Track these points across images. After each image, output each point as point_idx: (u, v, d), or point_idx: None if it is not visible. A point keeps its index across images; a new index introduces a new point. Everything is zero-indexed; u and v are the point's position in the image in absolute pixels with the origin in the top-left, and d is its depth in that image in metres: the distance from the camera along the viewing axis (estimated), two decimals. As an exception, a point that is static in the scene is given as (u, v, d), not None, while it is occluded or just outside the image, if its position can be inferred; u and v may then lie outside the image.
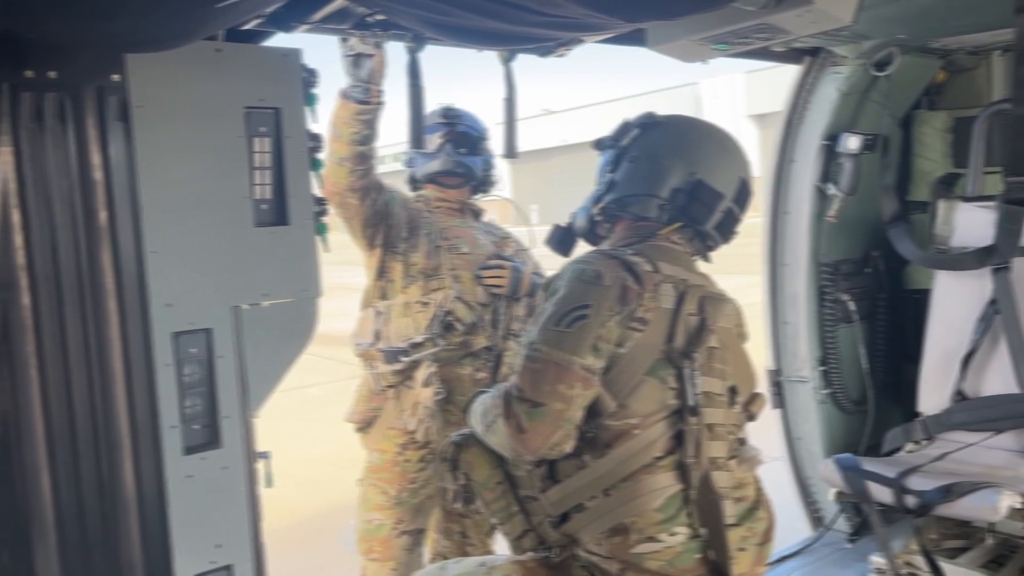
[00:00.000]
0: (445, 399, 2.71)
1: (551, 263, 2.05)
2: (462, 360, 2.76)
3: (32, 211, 1.62)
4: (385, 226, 2.75)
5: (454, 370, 2.74)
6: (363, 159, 2.57)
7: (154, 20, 1.32)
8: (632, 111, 1.98)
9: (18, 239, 1.61)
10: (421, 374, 2.70)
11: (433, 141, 2.88)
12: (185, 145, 1.75)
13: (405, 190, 2.99)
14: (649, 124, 1.86)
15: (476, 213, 3.00)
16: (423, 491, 2.80)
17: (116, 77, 1.66)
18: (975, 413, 2.85)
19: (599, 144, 1.93)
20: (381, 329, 2.76)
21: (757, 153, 30.99)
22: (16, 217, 1.60)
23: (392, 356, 2.69)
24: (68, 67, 1.62)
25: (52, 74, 1.60)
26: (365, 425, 2.85)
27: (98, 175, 1.67)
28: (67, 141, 1.64)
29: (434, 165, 2.85)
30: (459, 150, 2.87)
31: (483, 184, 2.97)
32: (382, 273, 2.80)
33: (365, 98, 2.43)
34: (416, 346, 2.68)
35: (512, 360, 2.73)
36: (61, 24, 1.36)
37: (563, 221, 1.97)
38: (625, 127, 1.88)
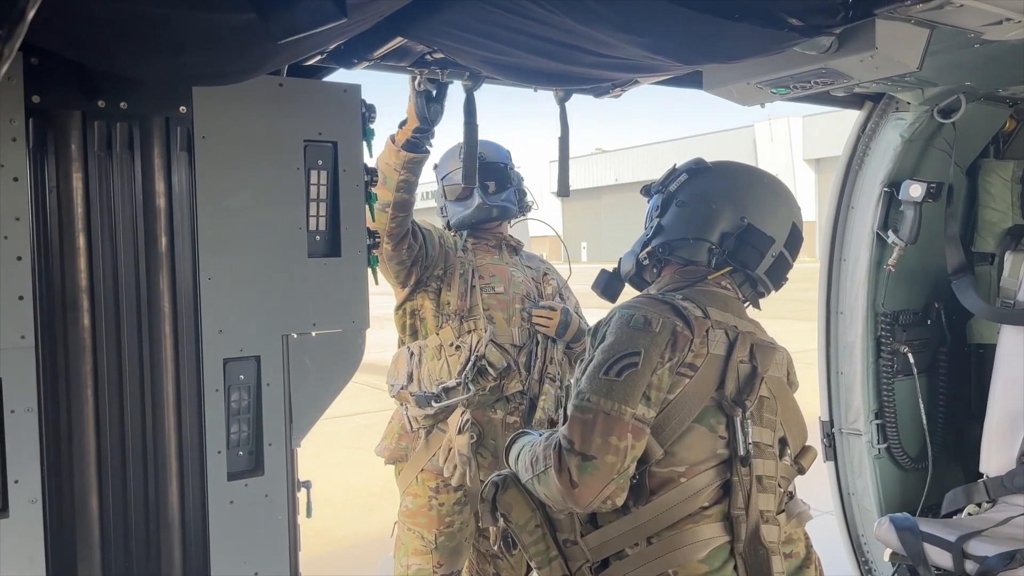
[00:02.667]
0: (476, 442, 2.68)
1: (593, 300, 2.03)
2: (495, 404, 2.72)
3: (97, 235, 1.67)
4: (419, 268, 2.74)
5: (486, 414, 2.71)
6: (405, 206, 2.58)
7: (220, 56, 1.36)
8: (685, 153, 1.96)
9: (82, 262, 1.66)
10: (455, 420, 2.68)
11: (457, 187, 2.81)
12: (245, 175, 1.80)
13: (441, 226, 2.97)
14: (697, 169, 1.84)
15: (514, 248, 2.95)
16: (459, 534, 2.76)
17: (183, 109, 1.72)
18: (1042, 477, 2.72)
19: (646, 190, 1.91)
20: (414, 371, 2.74)
21: (813, 198, 30.59)
22: (82, 241, 1.66)
23: (424, 400, 2.67)
24: (138, 98, 1.68)
25: (123, 104, 1.67)
26: (393, 461, 2.84)
27: (161, 202, 1.72)
28: (134, 169, 1.70)
29: (468, 216, 2.82)
30: (487, 187, 2.81)
31: (519, 211, 2.93)
32: (412, 312, 2.79)
33: (420, 146, 2.45)
34: (448, 391, 2.65)
35: (546, 404, 2.70)
36: (131, 59, 1.41)
37: (613, 258, 1.95)
38: (672, 172, 1.87)
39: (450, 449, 2.69)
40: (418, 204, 2.68)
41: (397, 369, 2.80)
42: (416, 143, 2.44)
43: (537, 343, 2.75)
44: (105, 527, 1.70)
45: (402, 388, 2.75)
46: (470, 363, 2.65)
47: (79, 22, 1.32)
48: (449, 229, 2.93)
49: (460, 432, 2.66)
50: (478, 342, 2.68)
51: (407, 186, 2.53)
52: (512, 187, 2.89)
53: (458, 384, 2.64)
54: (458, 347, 2.69)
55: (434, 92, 2.29)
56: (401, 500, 2.84)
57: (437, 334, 2.74)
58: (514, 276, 2.84)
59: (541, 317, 2.75)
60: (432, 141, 2.48)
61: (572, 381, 1.67)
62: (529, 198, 2.97)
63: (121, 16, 1.30)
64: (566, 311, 2.77)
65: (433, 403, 2.65)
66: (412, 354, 2.77)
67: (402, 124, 2.45)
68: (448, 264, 2.77)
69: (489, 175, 2.82)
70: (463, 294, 2.73)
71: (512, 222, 2.97)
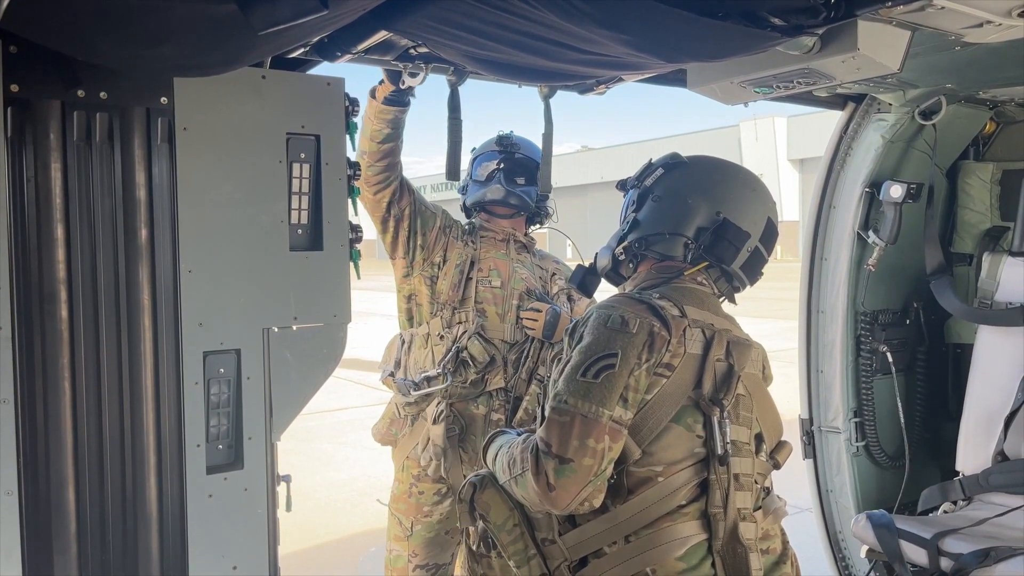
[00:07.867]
0: (460, 436, 2.69)
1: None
2: (477, 399, 2.71)
3: (75, 227, 1.66)
4: (406, 232, 2.73)
5: (468, 408, 2.71)
6: (382, 156, 2.60)
7: (201, 47, 1.35)
8: (671, 151, 1.97)
9: (60, 253, 1.65)
10: (431, 410, 2.69)
11: (487, 168, 2.88)
12: (226, 168, 1.78)
13: (460, 217, 2.98)
14: (673, 164, 1.84)
15: (524, 246, 2.93)
16: (439, 526, 2.76)
17: (164, 100, 1.71)
18: (1017, 476, 2.75)
19: (622, 184, 1.91)
20: (402, 358, 2.76)
21: (797, 197, 30.74)
22: (60, 232, 1.64)
23: (405, 388, 2.68)
24: (119, 88, 1.67)
25: (103, 95, 1.65)
26: (385, 443, 2.87)
27: (141, 194, 1.71)
28: (113, 160, 1.69)
29: (486, 194, 2.84)
30: (515, 179, 2.85)
31: (537, 215, 2.95)
32: (410, 296, 2.80)
33: (400, 101, 2.49)
34: (430, 380, 2.65)
35: (530, 404, 2.70)
36: (111, 49, 1.40)
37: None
38: (648, 167, 1.87)
39: (427, 439, 2.71)
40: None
41: (389, 355, 2.82)
42: (394, 99, 2.49)
43: (531, 342, 2.75)
44: (82, 520, 1.68)
45: (389, 374, 2.76)
46: (451, 353, 2.65)
47: (59, 11, 1.31)
48: (465, 211, 2.95)
49: (435, 422, 2.67)
50: (463, 333, 2.68)
51: (384, 137, 2.57)
52: (536, 187, 2.89)
53: (439, 374, 2.65)
54: (443, 337, 2.70)
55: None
56: (392, 484, 2.86)
57: (428, 323, 2.75)
58: (516, 272, 2.82)
59: (527, 318, 2.74)
60: (411, 100, 2.52)
61: (549, 382, 1.67)
62: (551, 207, 2.98)
63: (101, 5, 1.28)
64: (552, 311, 2.72)
65: (412, 391, 2.65)
66: (403, 341, 2.79)
67: (381, 81, 2.48)
68: (448, 253, 2.78)
69: (519, 170, 2.88)
70: (456, 284, 2.74)
71: (530, 228, 2.98)
